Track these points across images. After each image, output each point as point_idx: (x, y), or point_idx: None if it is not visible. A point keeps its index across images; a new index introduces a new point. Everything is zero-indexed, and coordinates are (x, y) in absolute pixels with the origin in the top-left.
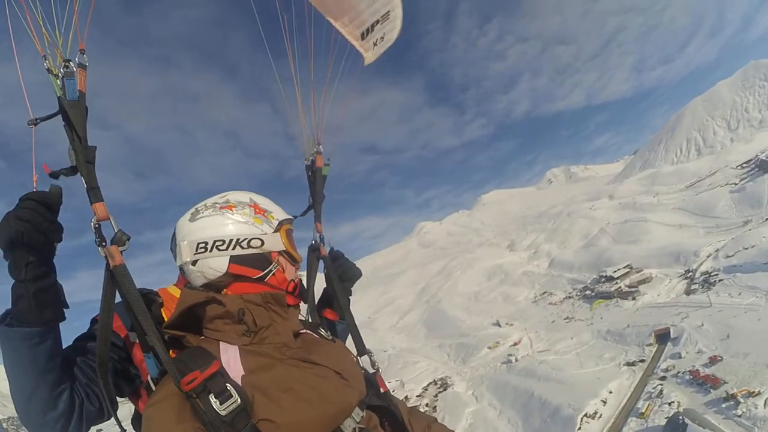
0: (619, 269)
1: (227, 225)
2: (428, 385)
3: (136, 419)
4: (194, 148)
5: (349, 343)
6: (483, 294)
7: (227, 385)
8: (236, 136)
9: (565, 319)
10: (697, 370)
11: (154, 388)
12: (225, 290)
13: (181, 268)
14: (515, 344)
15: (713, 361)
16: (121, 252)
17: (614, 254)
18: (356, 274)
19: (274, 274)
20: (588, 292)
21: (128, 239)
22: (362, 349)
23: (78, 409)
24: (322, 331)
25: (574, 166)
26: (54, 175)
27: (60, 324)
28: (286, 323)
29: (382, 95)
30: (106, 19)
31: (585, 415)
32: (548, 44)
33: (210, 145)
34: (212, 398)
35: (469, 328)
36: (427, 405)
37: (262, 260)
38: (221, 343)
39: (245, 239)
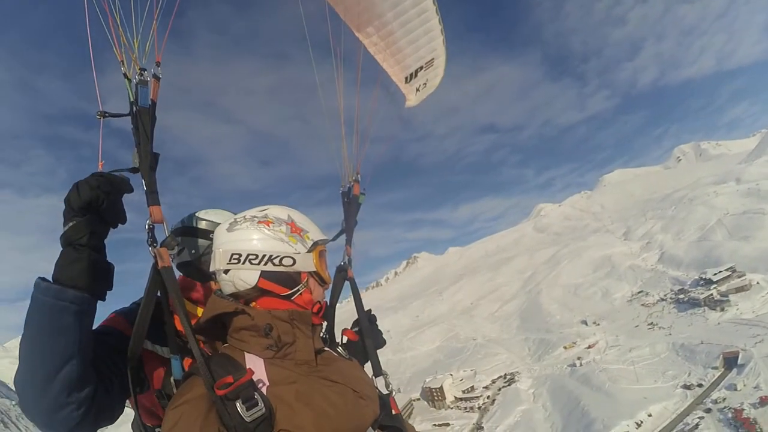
0: (720, 271)
1: (262, 240)
2: (497, 378)
3: (137, 424)
4: (312, 135)
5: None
6: (583, 288)
7: (255, 393)
8: (351, 123)
9: (648, 325)
10: (743, 409)
11: (175, 390)
12: (253, 303)
13: (213, 274)
14: (589, 347)
15: (763, 401)
16: (170, 255)
17: (723, 252)
18: (381, 343)
19: (301, 293)
20: (681, 296)
21: (177, 245)
22: (378, 371)
23: (97, 402)
24: (340, 350)
25: (704, 142)
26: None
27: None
28: (309, 341)
29: (497, 71)
30: (219, 23)
31: None
32: (670, 4)
33: (327, 132)
34: (239, 404)
35: (556, 324)
36: (488, 397)
37: (292, 279)
38: (246, 353)
39: (278, 256)
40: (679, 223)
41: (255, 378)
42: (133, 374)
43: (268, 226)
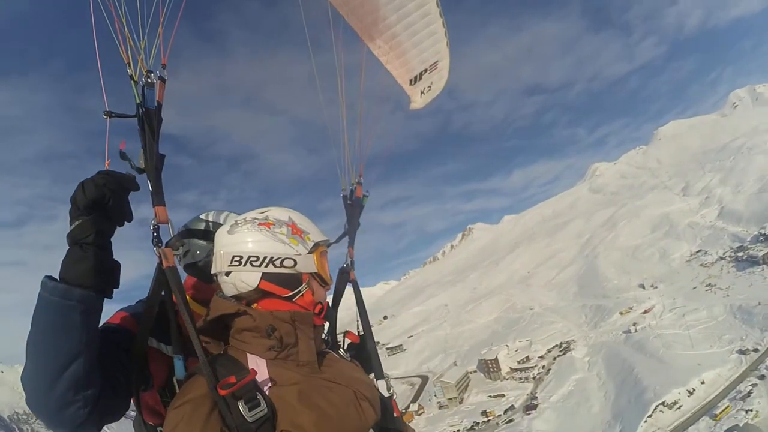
0: None
1: (263, 242)
2: (553, 347)
3: (138, 422)
4: (355, 119)
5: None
6: (641, 249)
7: (257, 393)
8: (394, 100)
9: (706, 286)
10: None
11: (178, 390)
12: (255, 305)
13: (215, 275)
14: (645, 312)
15: None
16: (176, 256)
17: None
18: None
19: (302, 294)
20: (740, 254)
21: (181, 245)
22: (380, 374)
23: (103, 400)
24: (342, 352)
25: (760, 85)
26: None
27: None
28: (311, 342)
29: (536, 29)
30: (250, 20)
31: (662, 403)
32: None
33: (371, 112)
34: (242, 404)
35: (613, 289)
36: (543, 367)
37: (293, 280)
38: (248, 354)
39: (279, 258)
40: (738, 175)
41: (258, 378)
42: (137, 372)
43: (269, 227)
